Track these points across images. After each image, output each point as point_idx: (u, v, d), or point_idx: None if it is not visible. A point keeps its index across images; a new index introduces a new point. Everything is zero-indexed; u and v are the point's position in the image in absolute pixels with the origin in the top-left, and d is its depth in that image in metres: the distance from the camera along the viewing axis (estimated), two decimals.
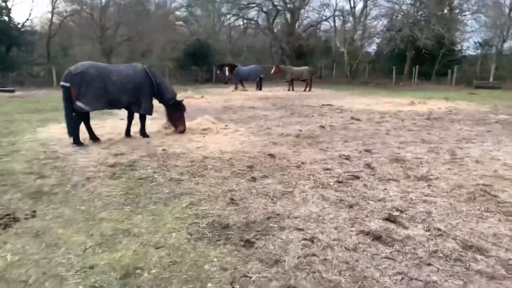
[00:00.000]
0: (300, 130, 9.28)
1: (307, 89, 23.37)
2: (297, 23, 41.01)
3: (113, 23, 30.51)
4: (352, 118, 11.42)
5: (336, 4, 45.23)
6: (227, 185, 5.13)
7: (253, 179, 5.40)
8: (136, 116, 8.25)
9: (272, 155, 6.78)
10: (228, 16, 44.56)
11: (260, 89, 23.87)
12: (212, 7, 43.50)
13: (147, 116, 8.30)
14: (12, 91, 20.39)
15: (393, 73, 31.65)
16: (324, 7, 40.99)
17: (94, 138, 7.69)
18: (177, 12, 48.66)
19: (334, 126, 10.03)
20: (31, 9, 63.96)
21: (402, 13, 32.80)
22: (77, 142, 7.29)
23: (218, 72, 26.81)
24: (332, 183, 5.25)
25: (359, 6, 40.04)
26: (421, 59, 33.38)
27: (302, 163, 6.30)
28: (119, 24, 30.39)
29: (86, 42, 31.13)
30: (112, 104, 7.57)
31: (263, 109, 13.65)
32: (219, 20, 45.19)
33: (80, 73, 7.09)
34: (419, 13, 28.73)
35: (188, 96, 16.91)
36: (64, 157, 6.52)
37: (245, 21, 43.60)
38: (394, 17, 36.19)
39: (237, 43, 44.34)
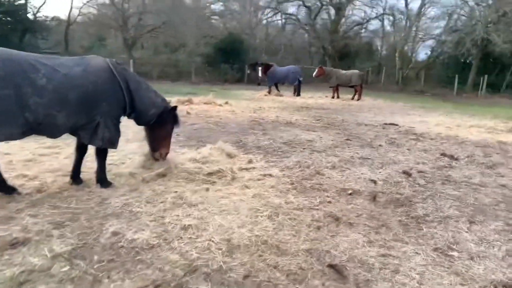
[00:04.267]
0: (374, 182, 5.46)
1: (356, 97, 19.34)
2: (342, 20, 36.79)
3: (136, 11, 27.39)
4: (443, 154, 7.48)
5: (386, 2, 40.45)
6: None
7: None
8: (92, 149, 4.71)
9: (338, 270, 3.07)
10: (266, 11, 40.97)
11: (299, 95, 20.01)
12: (249, 0, 40.04)
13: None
14: None
15: (454, 82, 27.01)
16: (374, 4, 36.52)
17: (4, 188, 4.19)
18: (212, 6, 45.65)
19: (425, 172, 6.15)
20: None
21: (468, 13, 27.98)
22: None
23: (249, 71, 23.19)
24: None
25: (414, 4, 35.32)
26: (488, 68, 28.45)
27: None
28: (142, 12, 27.20)
29: (108, 31, 28.22)
30: (38, 128, 4.00)
31: (305, 128, 9.86)
32: (255, 14, 41.63)
33: None
34: (497, 12, 23.74)
35: (208, 101, 13.37)
36: None
37: (284, 16, 39.77)
38: (457, 16, 31.42)
39: (274, 40, 40.60)
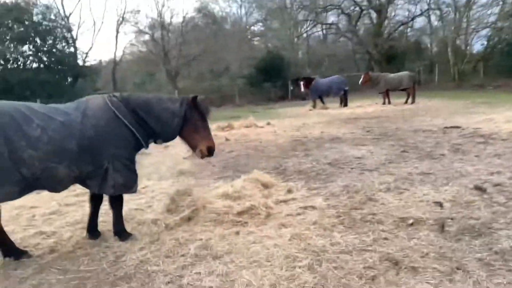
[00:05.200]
0: (440, 205, 4.49)
1: (410, 100, 17.95)
2: (384, 22, 35.22)
3: (175, 43, 27.97)
4: None
5: None
6: None
7: None
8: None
9: None
10: (305, 25, 40.38)
11: (346, 105, 18.99)
12: (288, 16, 39.73)
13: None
14: None
15: None
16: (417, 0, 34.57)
17: (12, 252, 3.79)
18: (252, 28, 46.00)
19: (502, 185, 5.04)
20: (94, 36, 61.13)
21: None
22: None
23: (292, 88, 22.57)
24: None
25: None
26: None
27: None
28: (182, 43, 27.67)
29: (154, 66, 29.05)
30: (37, 184, 3.58)
31: (354, 143, 8.93)
32: (295, 29, 41.19)
33: None
34: None
35: (249, 124, 12.83)
36: None
37: (323, 27, 38.90)
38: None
39: (316, 52, 39.82)
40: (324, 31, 40.50)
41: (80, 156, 3.65)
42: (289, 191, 5.38)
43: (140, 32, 28.23)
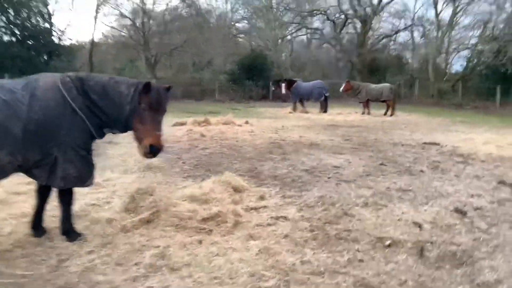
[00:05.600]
0: (419, 226, 4.22)
1: (389, 112, 17.93)
2: (369, 33, 35.38)
3: (156, 30, 27.20)
4: (501, 183, 6.10)
5: (415, 13, 38.27)
6: None
7: None
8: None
9: None
10: (290, 27, 40.14)
11: (325, 111, 18.82)
12: (273, 17, 39.40)
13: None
14: None
15: (496, 94, 25.10)
16: (402, 14, 34.96)
17: None
18: (237, 25, 45.43)
19: (483, 209, 4.83)
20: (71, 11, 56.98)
21: (506, 20, 26.16)
22: None
23: (273, 88, 22.30)
24: None
25: (444, 13, 33.50)
26: None
27: None
28: (163, 31, 26.93)
29: (130, 51, 28.17)
30: None
31: (332, 151, 8.65)
32: (280, 31, 40.94)
33: None
34: None
35: (227, 122, 12.41)
36: None
37: (308, 31, 38.81)
38: (493, 24, 29.51)
39: (300, 56, 39.68)
40: (308, 35, 40.45)
41: (25, 142, 3.16)
42: (262, 197, 5.02)
43: (121, 15, 27.32)
